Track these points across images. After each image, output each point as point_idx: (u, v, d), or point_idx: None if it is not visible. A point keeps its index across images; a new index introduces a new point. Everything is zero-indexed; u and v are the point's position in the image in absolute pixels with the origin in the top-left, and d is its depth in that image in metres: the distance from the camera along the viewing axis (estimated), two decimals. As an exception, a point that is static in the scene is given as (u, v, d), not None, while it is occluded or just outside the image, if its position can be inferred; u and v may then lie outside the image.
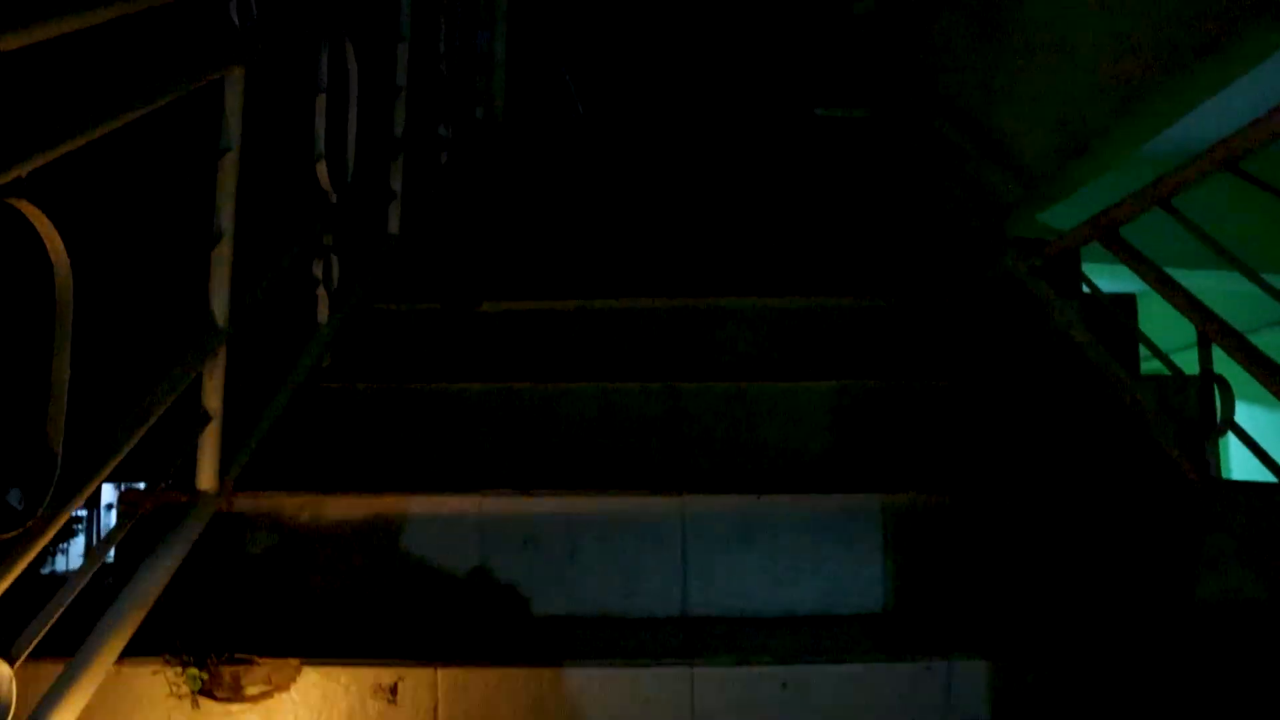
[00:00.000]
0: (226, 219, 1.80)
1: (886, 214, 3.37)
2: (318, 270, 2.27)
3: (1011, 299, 2.53)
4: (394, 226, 2.90)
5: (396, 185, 2.94)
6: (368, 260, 2.69)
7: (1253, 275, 1.73)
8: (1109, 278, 2.69)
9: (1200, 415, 1.88)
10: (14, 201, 1.28)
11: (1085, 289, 2.45)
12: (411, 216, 3.01)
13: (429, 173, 3.37)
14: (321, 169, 2.29)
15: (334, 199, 2.32)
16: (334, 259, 2.31)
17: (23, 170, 1.26)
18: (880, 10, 4.63)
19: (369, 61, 2.53)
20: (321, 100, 2.29)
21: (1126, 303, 2.40)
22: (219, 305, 1.78)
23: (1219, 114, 2.34)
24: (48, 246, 1.37)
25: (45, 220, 1.34)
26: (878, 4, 4.71)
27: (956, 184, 3.12)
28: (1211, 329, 1.83)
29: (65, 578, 1.42)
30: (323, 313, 2.30)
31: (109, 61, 1.83)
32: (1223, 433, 1.80)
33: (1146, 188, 1.93)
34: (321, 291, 2.29)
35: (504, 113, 4.45)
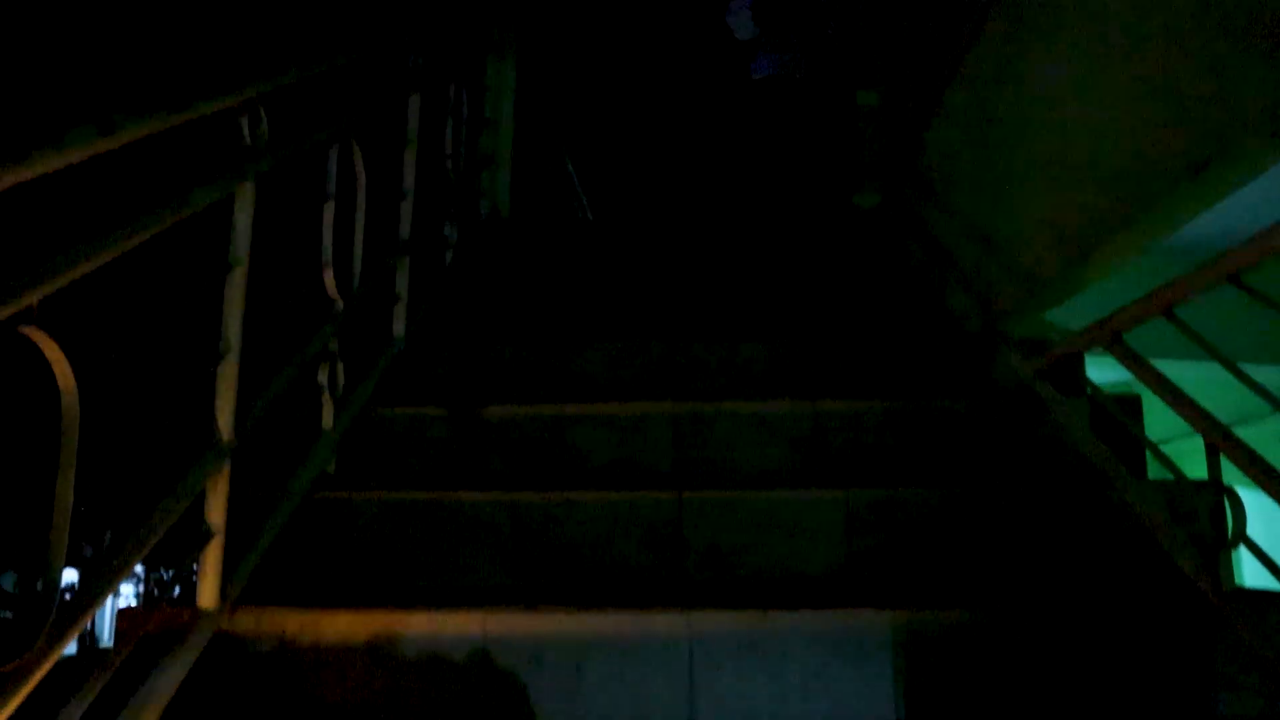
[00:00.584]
0: (233, 333, 1.81)
1: (890, 309, 3.39)
2: (323, 376, 2.27)
3: (1016, 401, 2.53)
4: (399, 329, 2.92)
5: (402, 288, 2.96)
6: (373, 364, 2.70)
7: (1254, 384, 1.72)
8: (1111, 369, 2.68)
9: (1211, 528, 1.85)
10: (24, 329, 1.29)
11: (1089, 390, 2.44)
12: (416, 318, 3.02)
13: (434, 273, 3.40)
14: (328, 276, 2.31)
15: (340, 305, 2.33)
16: (339, 365, 2.31)
17: (33, 299, 1.28)
18: (883, 103, 4.72)
19: (376, 164, 2.56)
20: (329, 209, 2.31)
21: (1131, 405, 2.39)
22: (224, 420, 1.78)
23: (1222, 218, 2.36)
24: (55, 372, 1.37)
25: (55, 347, 1.35)
26: (880, 96, 4.81)
27: (956, 279, 3.14)
28: (1220, 440, 1.81)
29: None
30: (327, 419, 2.30)
31: (120, 183, 1.86)
32: (1235, 546, 1.78)
33: (1149, 297, 1.94)
34: (326, 397, 2.29)
35: (510, 209, 4.50)
